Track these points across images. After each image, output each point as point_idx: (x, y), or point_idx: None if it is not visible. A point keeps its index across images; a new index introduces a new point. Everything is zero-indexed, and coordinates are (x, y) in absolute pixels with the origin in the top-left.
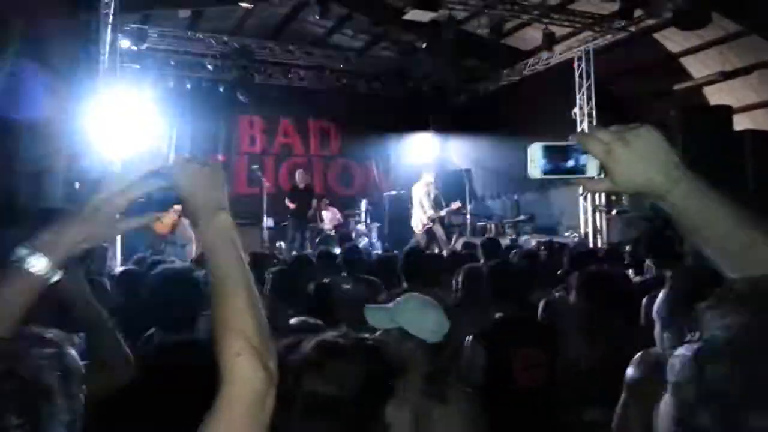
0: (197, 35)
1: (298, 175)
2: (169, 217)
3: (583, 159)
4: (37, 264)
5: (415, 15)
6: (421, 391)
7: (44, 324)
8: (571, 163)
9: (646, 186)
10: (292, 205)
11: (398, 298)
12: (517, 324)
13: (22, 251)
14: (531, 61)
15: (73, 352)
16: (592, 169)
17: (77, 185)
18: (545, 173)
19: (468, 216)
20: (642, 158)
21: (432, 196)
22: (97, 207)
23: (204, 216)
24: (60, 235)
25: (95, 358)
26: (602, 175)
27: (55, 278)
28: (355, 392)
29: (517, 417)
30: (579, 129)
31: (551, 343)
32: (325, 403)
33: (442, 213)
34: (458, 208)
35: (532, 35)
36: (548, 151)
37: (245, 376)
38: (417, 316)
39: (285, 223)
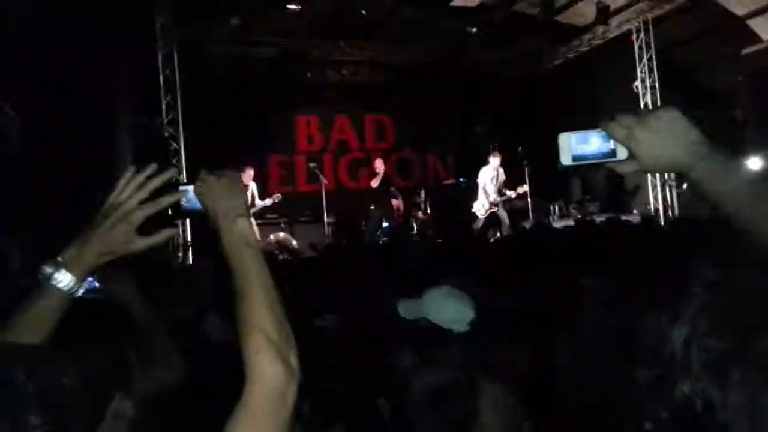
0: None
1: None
2: None
3: (612, 144)
4: (63, 279)
5: (463, 1)
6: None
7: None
8: (601, 149)
9: (670, 164)
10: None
11: (427, 291)
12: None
13: (47, 268)
14: (587, 36)
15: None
16: (622, 152)
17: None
18: (575, 160)
19: (529, 200)
20: (662, 138)
21: (499, 180)
22: (111, 217)
23: (224, 223)
24: (82, 249)
25: (147, 359)
26: (629, 159)
27: (80, 292)
28: None
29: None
30: (642, 103)
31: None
32: None
33: (511, 195)
34: (525, 193)
35: (586, 10)
36: (577, 140)
37: (264, 373)
38: (439, 307)
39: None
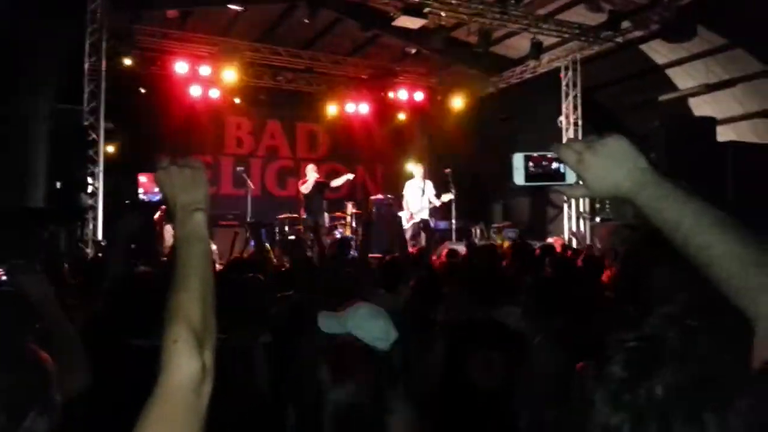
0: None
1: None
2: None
3: (563, 167)
4: None
5: (404, 22)
6: (365, 399)
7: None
8: (551, 171)
9: (615, 190)
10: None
11: (350, 306)
12: (477, 327)
13: None
14: (518, 69)
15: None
16: (571, 176)
17: (58, 184)
18: (528, 180)
19: (454, 221)
20: (609, 164)
21: (426, 193)
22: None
23: (181, 214)
24: None
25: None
26: (580, 182)
27: None
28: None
29: (471, 419)
30: (564, 137)
31: (512, 346)
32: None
33: (436, 204)
34: (450, 201)
35: (521, 44)
36: (530, 161)
37: (179, 363)
38: (365, 324)
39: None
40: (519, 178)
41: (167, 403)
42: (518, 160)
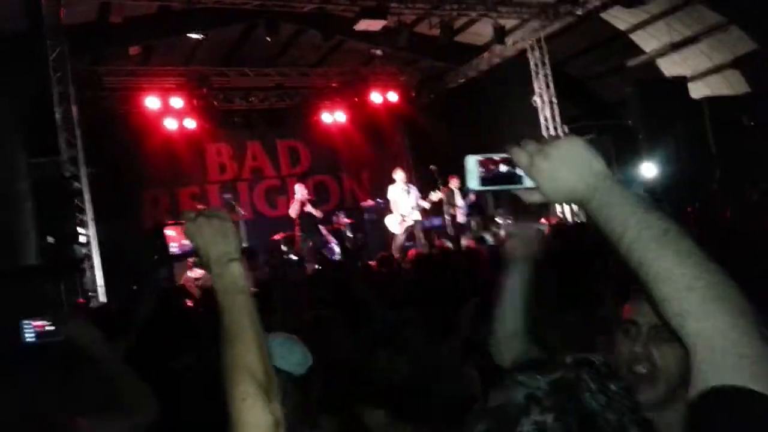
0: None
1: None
2: None
3: (519, 170)
4: None
5: (365, 25)
6: (293, 420)
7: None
8: (507, 174)
9: (571, 195)
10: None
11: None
12: None
13: None
14: (486, 55)
15: None
16: (528, 179)
17: (50, 239)
18: (482, 184)
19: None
20: (562, 168)
21: (412, 194)
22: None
23: (215, 266)
24: None
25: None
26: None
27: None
28: None
29: None
30: (541, 116)
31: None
32: None
33: (426, 205)
34: (440, 200)
35: (485, 29)
36: (484, 163)
37: (252, 422)
38: (283, 352)
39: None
40: (473, 183)
41: None
42: (471, 163)
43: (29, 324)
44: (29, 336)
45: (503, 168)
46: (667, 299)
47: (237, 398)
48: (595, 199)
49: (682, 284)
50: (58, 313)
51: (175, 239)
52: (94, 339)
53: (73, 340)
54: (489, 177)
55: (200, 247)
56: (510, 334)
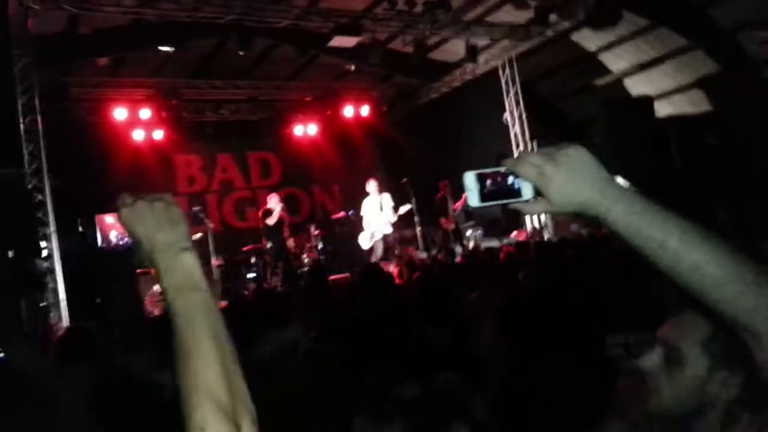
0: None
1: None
2: None
3: (518, 183)
4: None
5: (339, 41)
6: None
7: None
8: (507, 188)
9: (583, 205)
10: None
11: None
12: None
13: None
14: (458, 72)
15: None
16: (527, 192)
17: (10, 253)
18: (484, 200)
19: (418, 228)
20: (574, 177)
21: (385, 207)
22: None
23: (163, 259)
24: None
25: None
26: (537, 198)
27: None
28: None
29: None
30: (512, 132)
31: None
32: None
33: (394, 219)
34: (410, 210)
35: (458, 47)
36: (482, 179)
37: None
38: None
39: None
40: (474, 200)
41: None
42: (470, 179)
43: None
44: None
45: (501, 182)
46: (737, 297)
47: (194, 427)
48: (617, 208)
49: (750, 279)
50: (5, 337)
51: (115, 227)
52: (35, 364)
53: (15, 363)
54: (489, 192)
55: (142, 236)
56: None
